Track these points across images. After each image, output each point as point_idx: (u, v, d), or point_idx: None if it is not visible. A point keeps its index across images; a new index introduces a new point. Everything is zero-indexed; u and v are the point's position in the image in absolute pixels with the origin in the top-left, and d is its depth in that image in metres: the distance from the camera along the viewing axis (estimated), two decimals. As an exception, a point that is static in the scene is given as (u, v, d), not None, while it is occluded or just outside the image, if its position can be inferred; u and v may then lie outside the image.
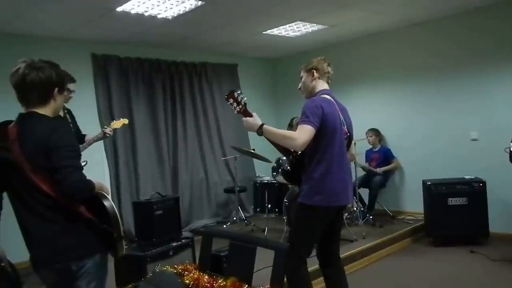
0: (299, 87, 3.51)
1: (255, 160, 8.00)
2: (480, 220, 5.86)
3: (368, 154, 7.43)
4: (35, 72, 2.27)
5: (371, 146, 7.43)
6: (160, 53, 7.38)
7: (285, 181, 4.74)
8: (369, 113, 7.58)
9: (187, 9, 5.50)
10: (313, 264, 3.36)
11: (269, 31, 6.84)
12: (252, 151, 6.56)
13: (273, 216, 6.84)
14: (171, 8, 5.43)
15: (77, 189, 2.19)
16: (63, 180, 2.16)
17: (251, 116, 3.20)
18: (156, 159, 7.32)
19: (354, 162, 6.66)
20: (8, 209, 2.44)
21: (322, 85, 3.38)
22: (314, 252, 3.43)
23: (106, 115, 6.75)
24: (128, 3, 5.12)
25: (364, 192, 7.16)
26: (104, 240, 2.38)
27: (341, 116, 3.27)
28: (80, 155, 2.43)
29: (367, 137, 7.35)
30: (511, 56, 6.08)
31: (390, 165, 7.23)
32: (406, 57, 7.17)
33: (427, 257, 5.63)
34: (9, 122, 2.35)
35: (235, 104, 3.24)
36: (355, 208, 6.74)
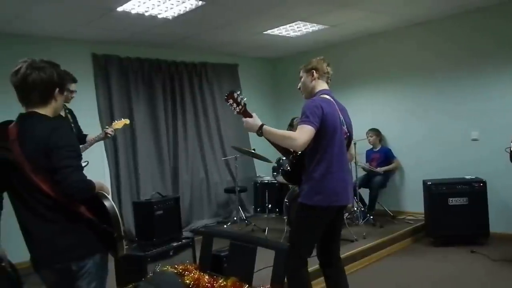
0: (298, 87, 3.51)
1: (255, 160, 8.00)
2: (480, 220, 5.86)
3: (369, 154, 7.43)
4: (37, 72, 2.27)
5: (371, 146, 7.42)
6: (161, 53, 7.38)
7: (285, 181, 4.74)
8: (370, 113, 7.58)
9: (187, 9, 5.50)
10: (313, 264, 3.36)
11: (269, 31, 6.83)
12: (253, 151, 6.56)
13: (273, 216, 6.83)
14: (171, 8, 5.43)
15: (78, 189, 2.19)
16: (63, 180, 2.16)
17: (250, 116, 3.20)
18: (157, 159, 7.32)
19: (355, 162, 6.67)
20: (8, 209, 2.44)
21: (321, 85, 3.37)
22: (314, 252, 3.42)
23: (107, 115, 6.75)
24: (129, 3, 5.12)
25: (365, 192, 7.16)
26: (104, 240, 2.38)
27: (340, 116, 3.26)
28: (81, 155, 2.43)
29: (367, 137, 7.35)
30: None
31: (390, 165, 7.22)
32: (406, 57, 7.17)
33: (428, 257, 5.63)
34: (10, 122, 2.35)
35: (234, 105, 3.24)
36: (355, 208, 6.74)
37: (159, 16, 5.70)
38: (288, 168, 3.49)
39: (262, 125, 3.13)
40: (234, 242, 4.07)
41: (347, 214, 6.54)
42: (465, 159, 6.50)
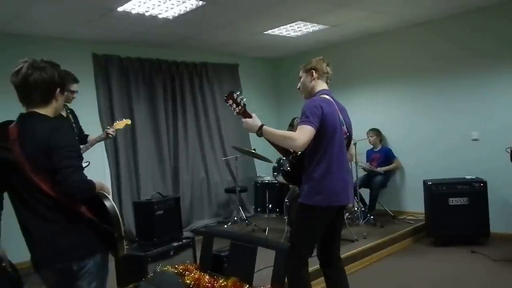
0: (298, 87, 3.51)
1: (256, 160, 8.00)
2: (481, 220, 5.86)
3: (369, 154, 7.43)
4: (38, 72, 2.27)
5: (372, 146, 7.42)
6: (161, 53, 7.38)
7: (285, 182, 4.74)
8: (370, 113, 7.58)
9: (188, 9, 5.50)
10: (313, 264, 3.36)
11: (270, 31, 6.83)
12: (253, 151, 6.56)
13: (274, 216, 6.83)
14: (172, 8, 5.43)
15: (78, 189, 2.19)
16: (64, 180, 2.16)
17: (250, 117, 3.20)
18: (157, 159, 7.32)
19: (355, 162, 6.67)
20: (9, 209, 2.44)
21: (321, 85, 3.37)
22: (314, 252, 3.42)
23: (107, 115, 6.76)
24: (129, 3, 5.12)
25: (365, 192, 7.16)
26: (105, 240, 2.38)
27: (340, 116, 3.26)
28: (81, 155, 2.43)
29: (368, 137, 7.35)
30: (512, 56, 6.10)
31: (391, 165, 7.22)
32: (407, 57, 7.17)
33: (428, 257, 5.63)
34: (10, 122, 2.35)
35: (234, 105, 3.24)
36: (356, 208, 6.74)
37: (160, 16, 5.70)
38: (288, 168, 3.48)
39: (262, 126, 3.13)
40: (235, 242, 4.07)
41: (347, 214, 6.54)
42: (465, 159, 6.50)
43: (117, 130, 4.96)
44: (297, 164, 3.34)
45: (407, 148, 7.22)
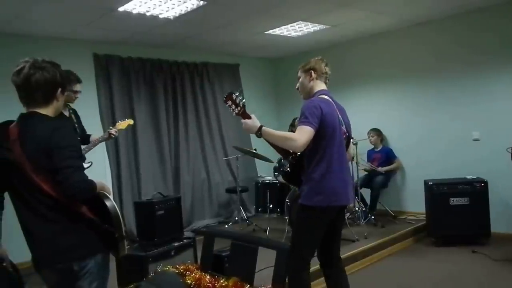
0: (296, 87, 3.51)
1: (257, 160, 8.01)
2: (481, 220, 5.86)
3: (370, 154, 7.43)
4: (40, 72, 2.27)
5: (372, 146, 7.42)
6: (162, 53, 7.39)
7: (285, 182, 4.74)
8: (371, 113, 7.58)
9: (188, 9, 5.50)
10: (313, 264, 3.36)
11: (270, 31, 6.83)
12: (254, 151, 6.57)
13: (274, 216, 6.83)
14: (172, 8, 5.43)
15: (79, 189, 2.19)
16: (64, 180, 2.15)
17: (249, 117, 3.20)
18: (158, 159, 7.32)
19: (356, 163, 6.68)
20: (10, 209, 2.44)
21: (320, 85, 3.37)
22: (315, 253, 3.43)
23: (108, 115, 6.77)
24: (130, 3, 5.13)
25: (366, 192, 7.16)
26: (106, 240, 2.38)
27: (339, 116, 3.26)
28: (82, 155, 2.43)
29: (368, 137, 7.35)
30: (513, 56, 6.09)
31: (392, 165, 7.22)
32: (408, 57, 7.16)
33: (429, 257, 5.63)
34: (10, 122, 2.35)
35: (233, 106, 3.23)
36: (357, 208, 6.74)
37: (161, 16, 5.70)
38: (288, 169, 3.48)
39: (261, 127, 3.13)
40: (236, 242, 4.07)
41: (348, 214, 6.55)
42: (466, 159, 6.50)
43: (119, 130, 4.95)
44: (296, 164, 3.34)
45: (408, 148, 7.22)
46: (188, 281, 3.85)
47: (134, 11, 5.42)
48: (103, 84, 6.80)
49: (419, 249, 6.01)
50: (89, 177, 2.28)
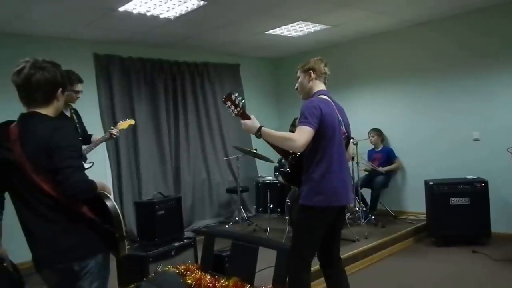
0: (296, 87, 3.51)
1: (257, 160, 8.01)
2: (482, 220, 5.86)
3: (370, 154, 7.43)
4: (41, 72, 2.27)
5: (373, 146, 7.42)
6: (162, 53, 7.39)
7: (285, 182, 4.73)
8: (371, 113, 7.58)
9: (189, 9, 5.50)
10: (313, 265, 3.36)
11: (271, 31, 6.83)
12: (254, 151, 6.56)
13: (275, 216, 6.82)
14: (173, 8, 5.43)
15: (79, 190, 2.19)
16: (65, 180, 2.15)
17: (249, 118, 3.19)
18: (158, 159, 7.32)
19: (357, 163, 6.68)
20: (10, 209, 2.44)
21: (319, 85, 3.37)
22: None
23: (108, 115, 6.77)
24: (130, 3, 5.13)
25: (367, 192, 7.16)
26: (106, 240, 2.38)
27: (339, 116, 3.26)
28: (82, 155, 2.43)
29: (369, 137, 7.35)
30: (513, 56, 6.09)
31: (392, 165, 7.22)
32: (408, 57, 7.16)
33: (429, 257, 5.63)
34: (11, 122, 2.35)
35: (232, 107, 3.22)
36: (357, 208, 6.74)
37: (161, 16, 5.70)
38: (288, 169, 3.48)
39: (260, 127, 3.13)
40: (236, 242, 4.07)
41: (349, 214, 6.55)
42: (466, 159, 6.49)
43: (120, 130, 4.95)
44: (296, 165, 3.34)
45: (408, 148, 7.22)
46: (189, 281, 3.85)
47: (135, 11, 5.42)
48: (103, 84, 6.80)
49: (420, 249, 6.01)
50: (90, 177, 2.27)
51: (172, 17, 5.76)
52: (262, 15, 5.95)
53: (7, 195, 2.45)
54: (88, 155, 4.67)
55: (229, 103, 3.23)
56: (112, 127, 4.91)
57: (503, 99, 6.17)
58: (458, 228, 5.90)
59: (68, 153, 2.20)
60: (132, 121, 5.18)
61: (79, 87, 4.43)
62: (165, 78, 7.45)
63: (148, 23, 5.96)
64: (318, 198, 3.12)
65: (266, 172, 8.15)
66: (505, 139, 5.73)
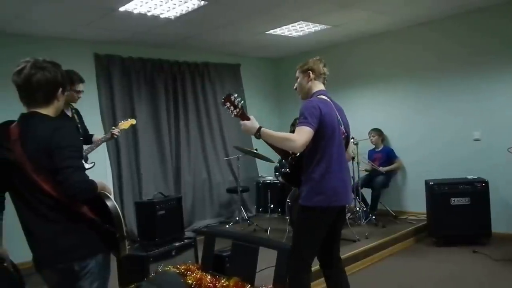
0: (294, 88, 3.51)
1: (257, 160, 8.00)
2: (482, 220, 5.86)
3: (371, 154, 7.43)
4: (41, 72, 2.27)
5: (373, 146, 7.42)
6: (163, 53, 7.39)
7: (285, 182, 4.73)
8: (372, 113, 7.58)
9: (189, 9, 5.50)
10: (313, 265, 3.36)
11: (271, 31, 6.83)
12: (255, 151, 6.56)
13: (275, 216, 6.82)
14: (173, 8, 5.43)
15: (80, 190, 2.19)
16: (65, 180, 2.15)
17: (248, 119, 3.19)
18: (159, 159, 7.32)
19: (357, 163, 6.68)
20: (10, 209, 2.44)
21: (318, 86, 3.37)
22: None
23: (109, 115, 6.77)
24: (131, 3, 5.13)
25: (367, 192, 7.16)
26: (106, 240, 2.38)
27: (338, 116, 3.26)
28: (83, 155, 2.43)
29: (369, 137, 7.35)
30: (514, 56, 6.08)
31: (392, 165, 7.22)
32: (408, 57, 7.16)
33: (430, 257, 5.62)
34: (11, 122, 2.35)
35: (232, 108, 3.22)
36: (357, 208, 6.74)
37: (161, 16, 5.70)
38: (287, 170, 3.48)
39: (260, 128, 3.13)
40: (236, 242, 4.06)
41: (349, 214, 6.55)
42: (467, 159, 6.49)
43: (122, 130, 4.94)
44: (296, 165, 3.34)
45: (409, 148, 7.21)
46: (189, 281, 3.85)
47: (135, 11, 5.42)
48: (104, 84, 6.80)
49: (420, 249, 6.01)
50: (90, 177, 2.27)
51: (172, 17, 5.76)
52: (263, 15, 5.95)
53: (7, 195, 2.45)
54: (89, 155, 4.67)
55: (228, 104, 3.22)
56: (113, 127, 4.91)
57: (504, 99, 6.17)
58: (458, 228, 5.89)
59: (69, 153, 2.20)
60: (133, 121, 5.19)
61: (80, 87, 4.44)
62: (166, 78, 7.45)
63: (149, 23, 5.96)
64: (318, 198, 3.11)
65: (267, 172, 8.15)
66: (505, 139, 5.73)
